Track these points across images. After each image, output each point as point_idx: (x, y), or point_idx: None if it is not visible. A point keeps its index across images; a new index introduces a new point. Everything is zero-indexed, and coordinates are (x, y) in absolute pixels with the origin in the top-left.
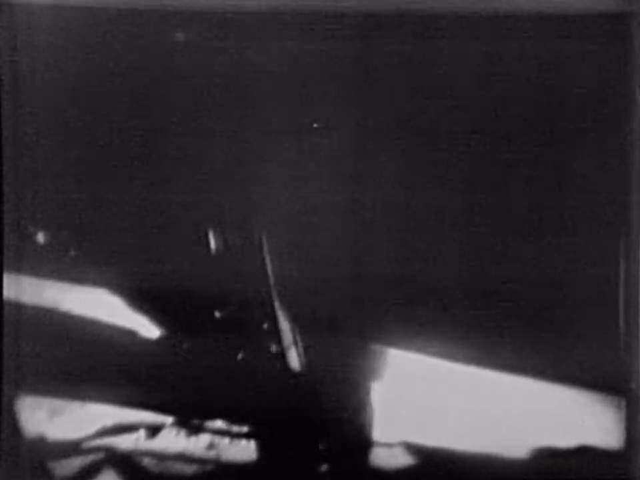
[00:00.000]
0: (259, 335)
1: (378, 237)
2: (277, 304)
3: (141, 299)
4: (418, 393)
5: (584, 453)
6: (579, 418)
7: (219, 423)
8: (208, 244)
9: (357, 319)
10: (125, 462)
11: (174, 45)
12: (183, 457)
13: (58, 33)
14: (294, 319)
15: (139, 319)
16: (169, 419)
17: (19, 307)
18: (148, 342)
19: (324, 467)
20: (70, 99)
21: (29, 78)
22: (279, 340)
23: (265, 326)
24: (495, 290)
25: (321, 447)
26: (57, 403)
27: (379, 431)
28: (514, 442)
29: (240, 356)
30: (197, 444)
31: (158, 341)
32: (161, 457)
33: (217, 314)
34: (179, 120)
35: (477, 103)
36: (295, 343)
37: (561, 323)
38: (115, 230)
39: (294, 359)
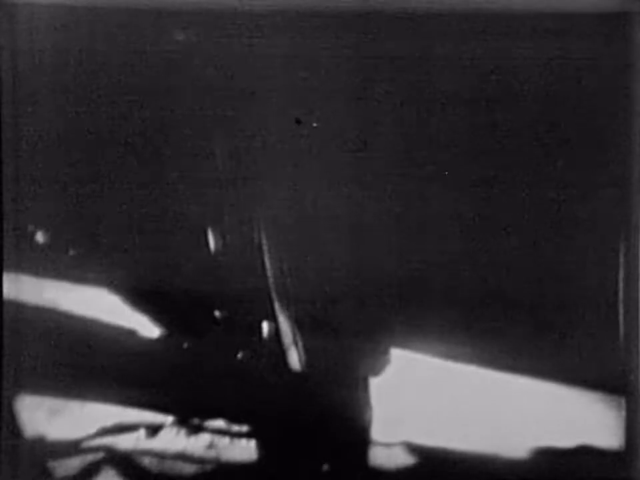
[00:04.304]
0: (259, 335)
1: (378, 237)
2: (276, 304)
3: (141, 299)
4: (418, 393)
5: (584, 453)
6: (579, 418)
7: (218, 423)
8: (208, 244)
9: (357, 319)
10: (124, 461)
11: (174, 45)
12: (182, 457)
13: (58, 32)
14: (294, 319)
15: (139, 319)
16: (169, 419)
17: (18, 306)
18: (148, 342)
19: (324, 467)
20: (70, 99)
21: (29, 78)
22: (278, 340)
23: (265, 326)
24: (495, 290)
25: (320, 447)
26: (57, 402)
27: (379, 431)
28: (514, 442)
29: (240, 356)
30: (197, 443)
31: (158, 341)
32: (160, 456)
33: (217, 314)
34: (178, 120)
35: (476, 102)
36: (295, 342)
37: (561, 323)
38: (115, 230)
39: (294, 359)
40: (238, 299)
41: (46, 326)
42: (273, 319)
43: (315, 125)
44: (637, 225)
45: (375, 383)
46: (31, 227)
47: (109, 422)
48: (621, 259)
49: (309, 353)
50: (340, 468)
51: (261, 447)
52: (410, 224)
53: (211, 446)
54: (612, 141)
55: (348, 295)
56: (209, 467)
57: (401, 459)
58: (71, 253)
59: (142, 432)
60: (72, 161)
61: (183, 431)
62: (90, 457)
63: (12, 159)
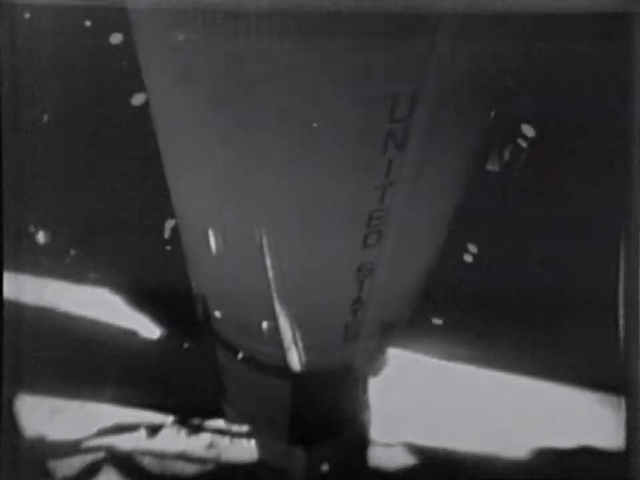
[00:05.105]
0: (259, 335)
1: (379, 236)
2: (276, 304)
3: (141, 299)
4: (418, 393)
5: (584, 453)
6: (579, 418)
7: (219, 423)
8: (208, 244)
9: (357, 319)
10: (125, 461)
11: (173, 45)
12: (183, 457)
13: (58, 33)
14: (294, 319)
15: (140, 319)
16: (169, 419)
17: (19, 306)
18: (148, 342)
19: (324, 467)
20: (70, 99)
21: (29, 78)
22: (279, 340)
23: (265, 326)
24: (494, 290)
25: (321, 447)
26: (57, 402)
27: (379, 431)
28: (514, 442)
29: (239, 356)
30: (197, 443)
31: (158, 341)
32: (161, 456)
33: (217, 314)
34: (179, 120)
35: (474, 101)
36: (295, 342)
37: (561, 323)
38: (115, 230)
39: (294, 359)
40: (238, 299)
41: (46, 326)
42: (273, 319)
43: (314, 124)
44: (637, 225)
45: (374, 383)
46: (31, 227)
47: (109, 422)
48: (621, 259)
49: (309, 353)
50: (340, 468)
51: (261, 447)
52: (413, 224)
53: (211, 446)
54: (612, 141)
55: (349, 295)
56: (209, 467)
57: (401, 458)
58: (71, 252)
59: (142, 432)
60: (72, 161)
61: (183, 431)
62: (90, 457)
63: (12, 159)
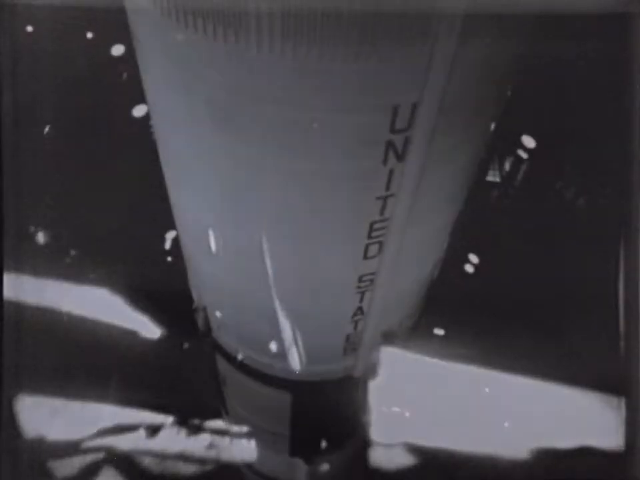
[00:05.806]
0: (259, 334)
1: (380, 247)
2: (277, 304)
3: (141, 299)
4: (418, 393)
5: (584, 453)
6: (579, 418)
7: (218, 423)
8: (209, 252)
9: (358, 330)
10: (125, 461)
11: (175, 45)
12: (182, 457)
13: (60, 45)
14: (295, 329)
15: (140, 319)
16: (169, 419)
17: (19, 306)
18: (148, 342)
19: (324, 467)
20: (70, 99)
21: (29, 78)
22: (279, 340)
23: (265, 326)
24: (495, 291)
25: (321, 447)
26: (57, 402)
27: (379, 431)
28: (514, 442)
29: (240, 356)
30: (197, 444)
31: (158, 341)
32: (161, 456)
33: (217, 314)
34: (179, 120)
35: (476, 112)
36: (295, 342)
37: (562, 324)
38: (115, 230)
39: (294, 359)
40: (239, 308)
41: (46, 326)
42: (273, 319)
43: (315, 125)
44: (637, 225)
45: (375, 385)
46: (31, 228)
47: (109, 422)
48: (621, 259)
49: (309, 353)
50: (340, 468)
51: (261, 447)
52: (411, 234)
53: (211, 446)
54: (612, 140)
55: (349, 306)
56: (209, 467)
57: (401, 459)
58: (72, 253)
59: (142, 432)
60: (72, 162)
61: (183, 431)
62: (90, 457)
63: (13, 161)
